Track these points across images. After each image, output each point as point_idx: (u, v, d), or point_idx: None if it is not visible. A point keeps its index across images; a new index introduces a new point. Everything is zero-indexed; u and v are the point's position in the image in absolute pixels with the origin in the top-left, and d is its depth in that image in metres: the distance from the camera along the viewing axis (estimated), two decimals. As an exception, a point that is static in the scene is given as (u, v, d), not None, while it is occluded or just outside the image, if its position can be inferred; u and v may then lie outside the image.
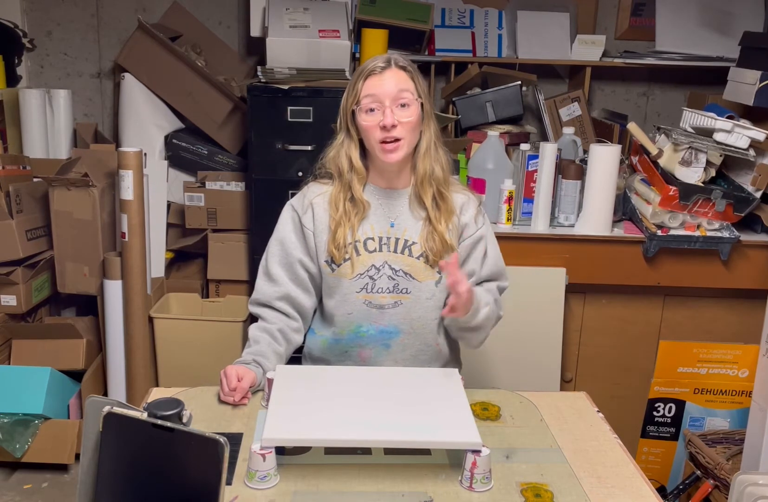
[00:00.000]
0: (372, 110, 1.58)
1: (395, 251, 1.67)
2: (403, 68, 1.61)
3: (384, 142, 1.58)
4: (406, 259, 1.67)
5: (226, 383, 1.56)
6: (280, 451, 1.36)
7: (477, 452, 1.31)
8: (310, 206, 1.69)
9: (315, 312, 1.79)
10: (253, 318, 1.77)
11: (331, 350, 1.75)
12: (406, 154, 1.62)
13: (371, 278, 1.67)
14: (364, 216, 1.67)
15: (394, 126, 1.57)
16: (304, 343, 1.80)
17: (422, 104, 1.62)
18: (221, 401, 1.58)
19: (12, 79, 3.30)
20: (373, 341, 1.71)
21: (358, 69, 1.64)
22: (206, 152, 3.10)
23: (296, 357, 1.84)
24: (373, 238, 1.67)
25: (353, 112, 1.62)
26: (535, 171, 2.55)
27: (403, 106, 1.59)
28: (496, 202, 2.53)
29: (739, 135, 2.40)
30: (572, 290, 2.55)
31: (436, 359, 1.77)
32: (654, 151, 2.54)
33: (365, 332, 1.70)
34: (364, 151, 1.67)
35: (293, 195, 1.77)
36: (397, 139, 1.58)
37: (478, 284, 1.75)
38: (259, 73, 2.68)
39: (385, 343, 1.71)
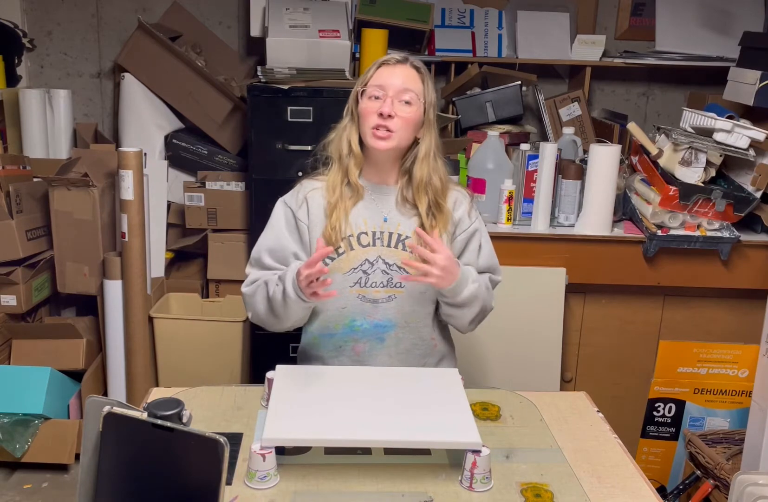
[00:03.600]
0: (375, 98, 1.62)
1: (389, 245, 1.68)
2: (417, 68, 1.66)
3: (376, 128, 1.60)
4: (400, 253, 1.68)
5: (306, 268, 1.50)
6: (280, 451, 1.36)
7: (477, 452, 1.31)
8: (305, 201, 1.70)
9: None
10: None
11: (325, 345, 1.75)
12: (396, 146, 1.63)
13: (365, 272, 1.68)
14: (359, 199, 1.68)
15: (390, 116, 1.59)
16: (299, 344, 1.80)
17: (425, 110, 1.64)
18: (220, 403, 1.57)
19: (12, 79, 3.30)
20: (367, 335, 1.71)
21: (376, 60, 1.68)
22: (206, 152, 3.10)
23: (293, 357, 1.84)
24: (366, 233, 1.68)
25: (358, 98, 1.65)
26: (535, 171, 2.55)
27: (406, 103, 1.62)
28: (496, 202, 2.53)
29: (739, 135, 2.40)
30: (572, 289, 2.55)
31: (430, 354, 1.78)
32: (654, 151, 2.54)
33: (359, 326, 1.70)
34: (362, 142, 1.68)
35: (292, 195, 1.78)
36: (389, 130, 1.60)
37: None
38: (259, 73, 2.67)
39: (379, 337, 1.71)
